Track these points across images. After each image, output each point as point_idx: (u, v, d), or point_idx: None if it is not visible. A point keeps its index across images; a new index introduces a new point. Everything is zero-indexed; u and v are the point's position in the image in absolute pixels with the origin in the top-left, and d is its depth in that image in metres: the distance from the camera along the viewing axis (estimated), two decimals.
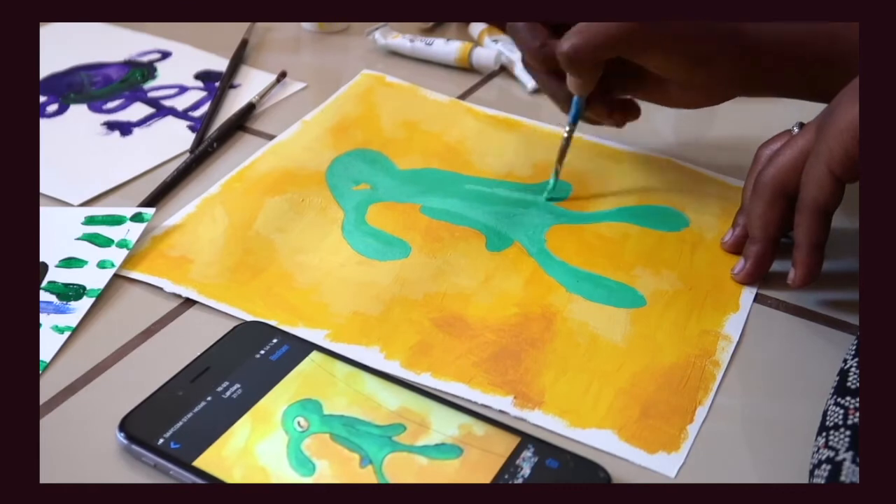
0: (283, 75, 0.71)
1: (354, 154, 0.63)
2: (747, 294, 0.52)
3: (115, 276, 0.51)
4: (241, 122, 0.67)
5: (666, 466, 0.42)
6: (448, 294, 0.52)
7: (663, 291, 0.52)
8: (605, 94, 0.59)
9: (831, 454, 0.38)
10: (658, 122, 0.66)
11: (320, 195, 0.59)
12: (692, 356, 0.48)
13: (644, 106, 0.60)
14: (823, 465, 0.38)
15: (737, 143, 0.65)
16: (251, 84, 0.71)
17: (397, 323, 0.50)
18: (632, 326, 0.50)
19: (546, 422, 0.44)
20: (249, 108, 0.67)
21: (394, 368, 0.47)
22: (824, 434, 0.40)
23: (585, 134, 0.65)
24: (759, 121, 0.66)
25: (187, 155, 0.63)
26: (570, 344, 0.49)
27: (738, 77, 0.55)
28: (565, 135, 0.58)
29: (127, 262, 0.52)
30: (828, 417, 0.41)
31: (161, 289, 0.51)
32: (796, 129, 0.53)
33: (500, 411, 0.44)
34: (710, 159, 0.63)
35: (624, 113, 0.60)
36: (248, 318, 0.49)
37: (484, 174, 0.62)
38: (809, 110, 0.53)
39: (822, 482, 0.38)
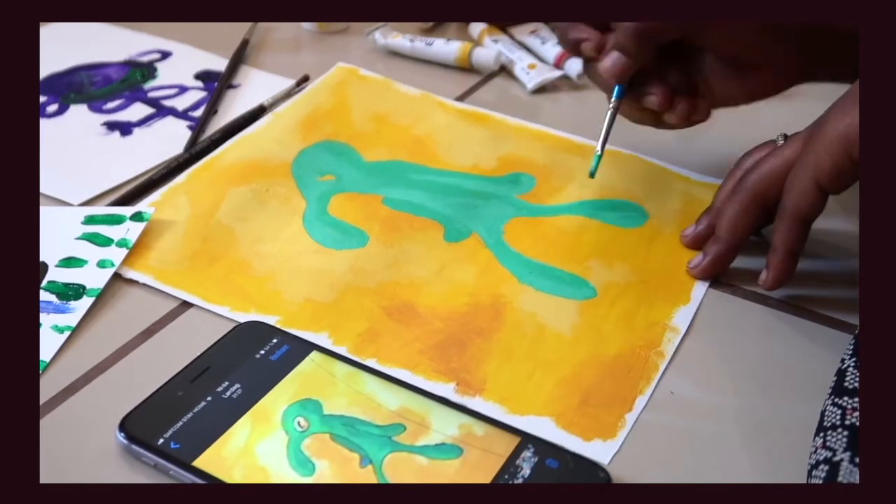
0: (304, 79, 0.70)
1: (322, 146, 0.63)
2: (699, 287, 0.52)
3: (115, 275, 0.51)
4: (248, 123, 0.66)
5: (600, 454, 0.42)
6: (401, 283, 0.52)
7: (615, 283, 0.52)
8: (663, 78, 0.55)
9: (829, 454, 0.38)
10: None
11: (285, 185, 0.59)
12: (637, 346, 0.48)
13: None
14: (821, 466, 0.38)
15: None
16: (251, 84, 0.71)
17: (348, 310, 0.50)
18: (580, 317, 0.50)
19: (486, 408, 0.44)
20: (259, 111, 0.67)
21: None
22: (822, 434, 0.40)
23: (549, 128, 0.65)
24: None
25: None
26: (517, 333, 0.49)
27: (811, 52, 0.52)
28: (610, 112, 0.55)
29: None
30: (825, 418, 0.41)
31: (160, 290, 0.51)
32: (781, 141, 0.52)
33: (443, 398, 0.44)
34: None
35: (691, 102, 0.54)
36: (203, 303, 0.50)
37: (450, 167, 0.62)
38: (804, 119, 0.52)
39: (820, 482, 0.38)
